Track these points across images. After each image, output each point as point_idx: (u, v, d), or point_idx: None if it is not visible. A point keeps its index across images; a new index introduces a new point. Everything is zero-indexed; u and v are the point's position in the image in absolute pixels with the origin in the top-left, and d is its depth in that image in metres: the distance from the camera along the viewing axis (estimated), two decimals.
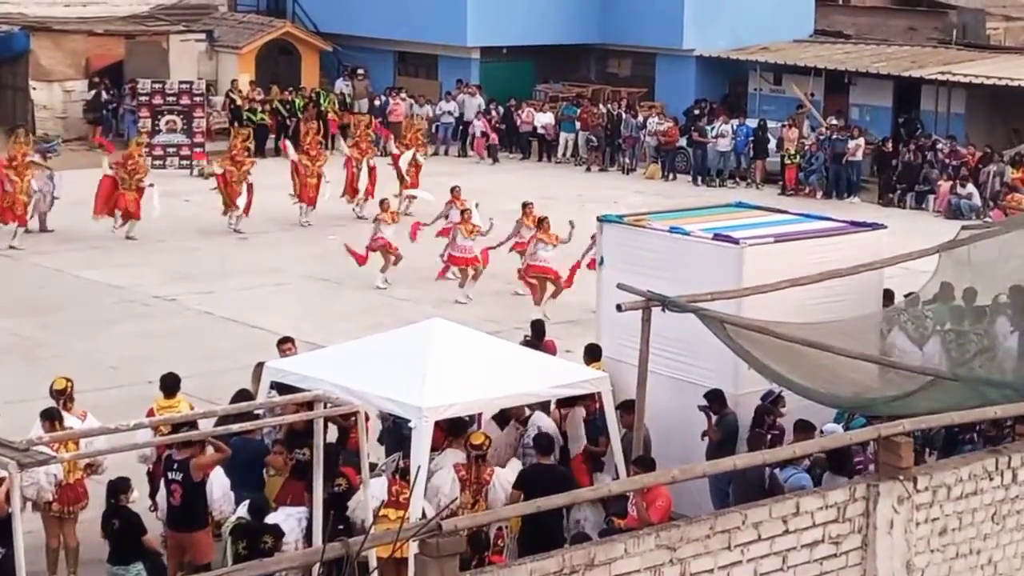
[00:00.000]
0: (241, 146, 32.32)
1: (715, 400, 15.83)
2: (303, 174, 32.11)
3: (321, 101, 42.47)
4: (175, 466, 14.32)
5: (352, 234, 31.17)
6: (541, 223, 25.75)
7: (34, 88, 42.65)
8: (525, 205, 26.94)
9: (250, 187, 31.44)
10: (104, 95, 42.09)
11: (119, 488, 14.16)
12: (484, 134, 42.27)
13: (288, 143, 34.59)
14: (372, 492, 13.58)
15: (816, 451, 14.21)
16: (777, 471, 14.59)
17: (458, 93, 43.83)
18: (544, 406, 16.39)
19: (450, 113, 43.37)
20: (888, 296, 17.80)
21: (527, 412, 16.16)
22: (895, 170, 38.25)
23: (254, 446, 15.17)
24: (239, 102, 41.57)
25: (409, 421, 14.13)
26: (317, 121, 38.79)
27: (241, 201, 31.34)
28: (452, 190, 28.66)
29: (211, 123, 40.56)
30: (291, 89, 43.12)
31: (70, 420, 15.23)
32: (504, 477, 14.80)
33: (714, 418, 15.81)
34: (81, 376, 17.59)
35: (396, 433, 15.62)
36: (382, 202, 28.49)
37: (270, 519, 13.93)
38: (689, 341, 15.50)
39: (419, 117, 40.04)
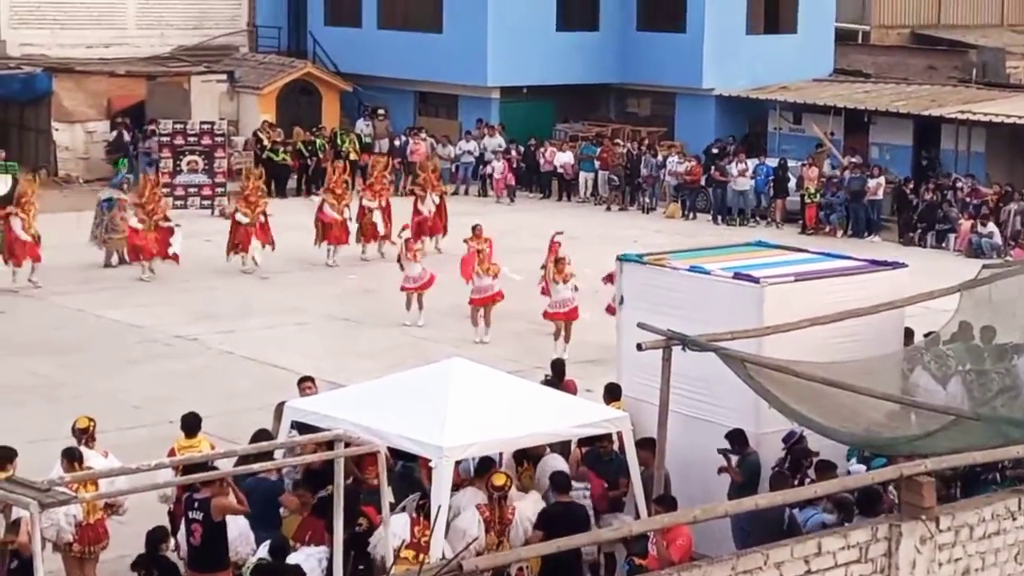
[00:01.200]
0: (254, 186, 32.32)
1: (737, 440, 15.78)
2: (328, 216, 32.14)
3: (339, 142, 42.58)
4: (196, 505, 14.31)
5: (372, 274, 31.30)
6: (558, 262, 25.78)
7: (56, 129, 42.87)
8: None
9: (263, 226, 31.42)
10: (126, 135, 42.26)
11: (159, 537, 14.09)
12: (503, 174, 42.36)
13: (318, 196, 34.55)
14: (393, 530, 13.56)
15: (839, 491, 14.15)
16: (796, 511, 14.54)
17: (479, 133, 43.94)
18: (563, 447, 16.35)
19: (470, 153, 43.46)
20: (908, 335, 17.75)
21: (547, 451, 16.14)
22: (915, 209, 38.21)
23: (267, 485, 15.12)
24: (266, 143, 41.70)
25: (418, 462, 14.09)
26: (344, 161, 38.73)
27: (255, 244, 31.32)
28: (474, 228, 28.64)
29: (232, 163, 40.67)
30: (313, 129, 43.27)
31: (92, 459, 15.25)
32: (524, 514, 14.74)
33: (735, 459, 15.76)
34: (103, 416, 17.59)
35: (408, 477, 15.59)
36: (406, 241, 28.48)
37: (291, 559, 13.90)
38: (709, 380, 15.48)
39: (436, 157, 39.83)
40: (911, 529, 10.96)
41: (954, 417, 14.76)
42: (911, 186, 38.63)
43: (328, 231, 32.28)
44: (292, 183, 41.62)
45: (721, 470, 15.75)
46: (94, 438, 15.79)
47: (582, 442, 16.34)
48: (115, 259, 31.81)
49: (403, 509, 14.45)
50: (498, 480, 14.75)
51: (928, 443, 14.19)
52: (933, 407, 14.94)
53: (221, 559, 14.36)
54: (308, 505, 14.88)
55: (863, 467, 15.59)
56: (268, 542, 14.07)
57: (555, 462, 16.06)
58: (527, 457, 16.08)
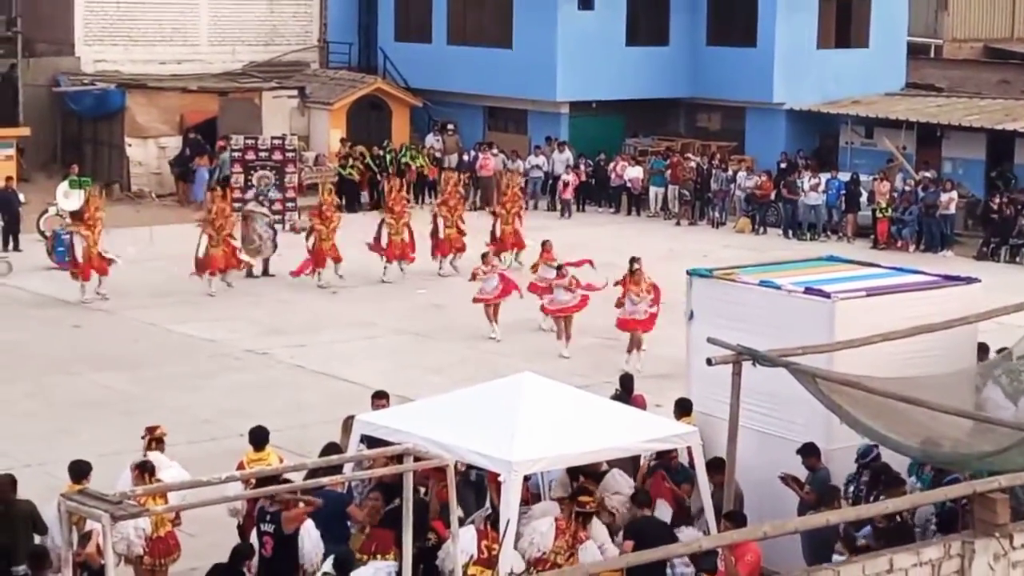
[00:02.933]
0: (329, 201, 32.50)
1: (810, 454, 15.68)
2: (388, 234, 32.20)
3: (402, 157, 42.74)
4: (267, 517, 14.36)
5: (442, 289, 31.35)
6: (634, 274, 25.79)
7: (129, 145, 43.25)
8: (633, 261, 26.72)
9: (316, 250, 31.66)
10: (188, 151, 42.47)
11: (244, 554, 14.07)
12: (569, 185, 42.43)
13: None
14: (461, 545, 13.55)
15: (907, 507, 14.03)
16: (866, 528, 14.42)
17: (548, 149, 43.94)
18: (624, 463, 16.31)
19: (539, 167, 43.48)
20: (983, 350, 17.59)
21: (603, 466, 16.10)
22: (990, 223, 37.86)
23: (334, 496, 15.13)
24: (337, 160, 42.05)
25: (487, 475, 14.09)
26: (400, 177, 38.78)
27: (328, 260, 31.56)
28: (543, 244, 28.65)
29: (303, 178, 40.89)
30: (386, 143, 43.54)
31: (164, 470, 15.36)
32: (596, 545, 14.66)
33: (807, 474, 15.66)
34: (174, 429, 17.75)
35: (480, 485, 15.59)
36: (484, 256, 28.54)
37: (357, 573, 13.90)
38: (780, 395, 15.39)
39: (512, 173, 39.65)
40: (984, 546, 10.86)
41: None
42: (996, 201, 38.03)
43: (389, 248, 32.31)
44: (363, 198, 41.82)
45: (797, 486, 15.64)
46: (162, 444, 15.98)
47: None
48: (256, 270, 32.38)
49: (472, 523, 14.44)
50: (585, 499, 14.74)
51: (1002, 459, 14.03)
52: (1005, 422, 14.78)
53: (292, 571, 14.39)
54: (377, 513, 14.84)
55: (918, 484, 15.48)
56: (333, 556, 14.07)
57: (619, 478, 16.03)
58: (583, 472, 16.02)
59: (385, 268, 32.43)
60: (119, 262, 30.24)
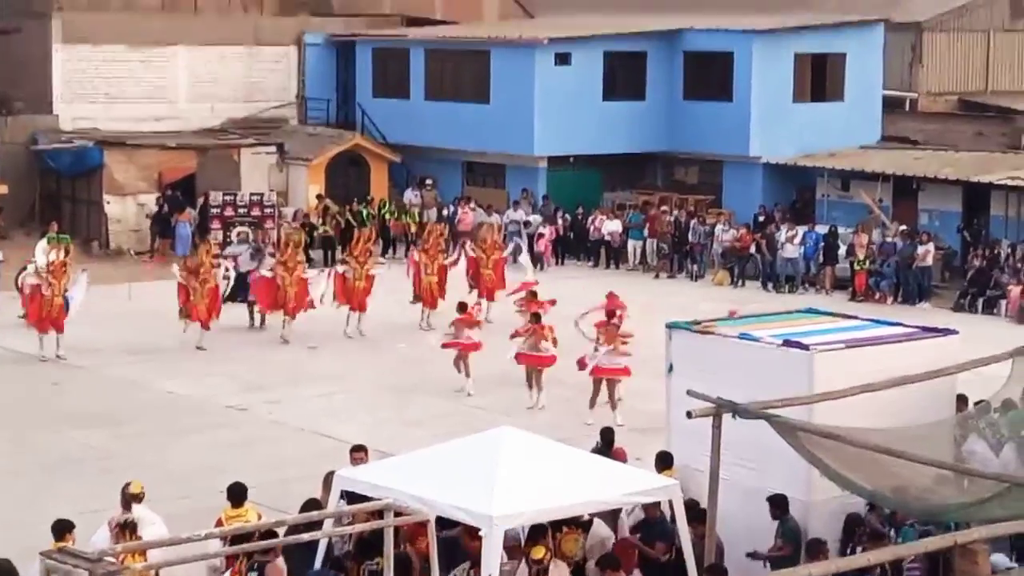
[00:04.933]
0: (293, 251, 32.45)
1: (779, 505, 15.67)
2: (350, 283, 32.17)
3: (384, 212, 42.88)
4: (255, 566, 14.32)
5: (421, 342, 31.33)
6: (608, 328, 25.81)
7: (107, 202, 43.26)
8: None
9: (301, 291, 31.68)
10: (165, 208, 42.44)
11: None
12: (550, 240, 42.54)
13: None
14: None
15: (889, 559, 14.04)
16: None
17: (527, 203, 44.08)
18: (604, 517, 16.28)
19: (516, 222, 43.57)
20: (962, 400, 17.65)
21: (586, 517, 16.08)
22: (965, 275, 38.05)
23: None
24: (314, 217, 42.14)
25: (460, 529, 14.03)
26: (368, 229, 38.79)
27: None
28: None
29: (282, 234, 40.90)
30: (367, 200, 43.69)
31: (147, 526, 15.30)
32: None
33: (775, 525, 15.67)
34: (153, 486, 17.65)
35: (450, 545, 15.52)
36: (463, 304, 28.57)
37: None
38: (760, 448, 15.41)
39: (490, 226, 39.69)
40: None
41: (1008, 484, 14.63)
42: (976, 253, 38.24)
43: (350, 297, 32.28)
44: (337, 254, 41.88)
45: (766, 552, 15.63)
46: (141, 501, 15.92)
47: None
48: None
49: None
50: (537, 554, 14.65)
51: (981, 510, 14.07)
52: (985, 474, 14.82)
53: None
54: None
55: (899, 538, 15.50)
56: None
57: (602, 530, 16.00)
58: (566, 522, 15.98)
59: (348, 318, 32.34)
60: (75, 297, 30.10)
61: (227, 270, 32.30)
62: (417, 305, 33.32)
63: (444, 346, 27.88)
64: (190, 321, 30.75)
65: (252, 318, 33.06)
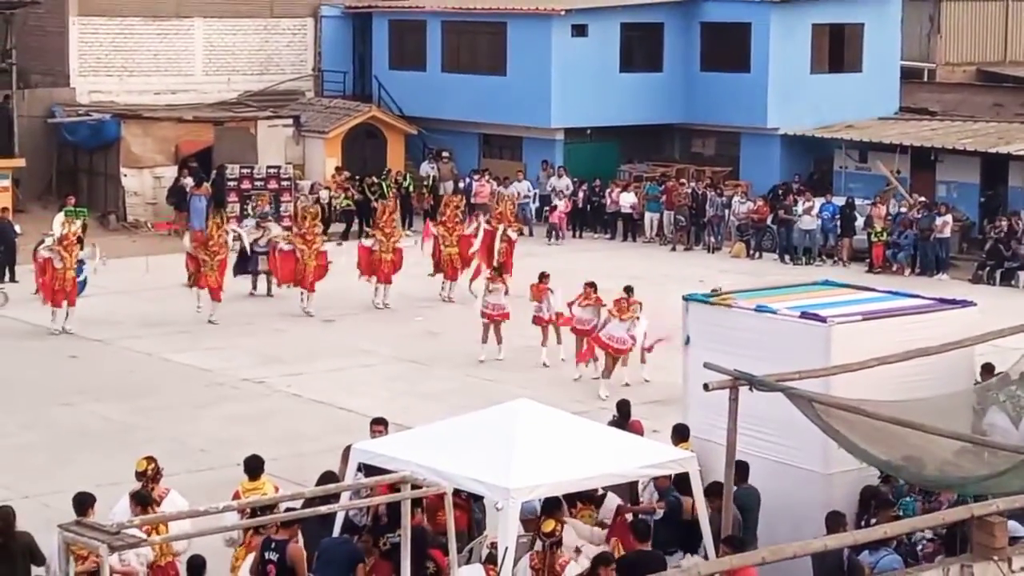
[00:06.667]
0: (311, 224, 32.54)
1: (737, 471, 15.50)
2: (377, 256, 32.20)
3: (404, 184, 42.83)
4: (273, 545, 14.30)
5: (439, 316, 31.36)
6: (627, 299, 25.76)
7: (125, 175, 43.29)
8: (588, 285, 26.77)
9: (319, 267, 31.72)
10: (183, 180, 42.45)
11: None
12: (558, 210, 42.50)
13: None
14: None
15: (905, 531, 14.02)
16: (866, 553, 14.39)
17: (546, 175, 44.01)
18: (622, 488, 16.29)
19: (528, 196, 43.41)
20: (988, 370, 17.58)
21: (599, 492, 16.08)
22: (983, 247, 37.94)
23: (348, 549, 14.99)
24: (333, 190, 42.05)
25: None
26: (392, 200, 38.76)
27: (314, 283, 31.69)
28: (541, 276, 28.19)
29: (298, 207, 40.91)
30: (386, 172, 43.66)
31: (167, 501, 15.33)
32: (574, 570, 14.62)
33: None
34: (170, 459, 17.72)
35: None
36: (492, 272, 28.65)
37: None
38: (777, 420, 15.39)
39: (506, 196, 39.53)
40: (983, 570, 10.87)
41: None
42: (994, 224, 38.12)
43: (377, 269, 32.31)
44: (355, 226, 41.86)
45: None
46: (157, 479, 15.85)
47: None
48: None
49: (470, 552, 14.40)
50: (547, 527, 14.60)
51: (999, 482, 14.03)
52: (1004, 446, 14.78)
53: None
54: (372, 552, 14.84)
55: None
56: None
57: (614, 502, 16.03)
58: (579, 497, 15.98)
59: (377, 290, 32.40)
60: (88, 267, 30.24)
61: (235, 234, 32.44)
62: (436, 278, 33.31)
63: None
64: (199, 288, 30.75)
65: (255, 286, 33.09)
